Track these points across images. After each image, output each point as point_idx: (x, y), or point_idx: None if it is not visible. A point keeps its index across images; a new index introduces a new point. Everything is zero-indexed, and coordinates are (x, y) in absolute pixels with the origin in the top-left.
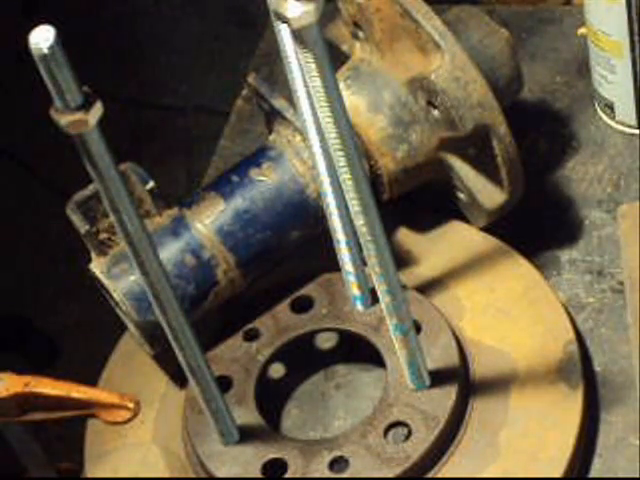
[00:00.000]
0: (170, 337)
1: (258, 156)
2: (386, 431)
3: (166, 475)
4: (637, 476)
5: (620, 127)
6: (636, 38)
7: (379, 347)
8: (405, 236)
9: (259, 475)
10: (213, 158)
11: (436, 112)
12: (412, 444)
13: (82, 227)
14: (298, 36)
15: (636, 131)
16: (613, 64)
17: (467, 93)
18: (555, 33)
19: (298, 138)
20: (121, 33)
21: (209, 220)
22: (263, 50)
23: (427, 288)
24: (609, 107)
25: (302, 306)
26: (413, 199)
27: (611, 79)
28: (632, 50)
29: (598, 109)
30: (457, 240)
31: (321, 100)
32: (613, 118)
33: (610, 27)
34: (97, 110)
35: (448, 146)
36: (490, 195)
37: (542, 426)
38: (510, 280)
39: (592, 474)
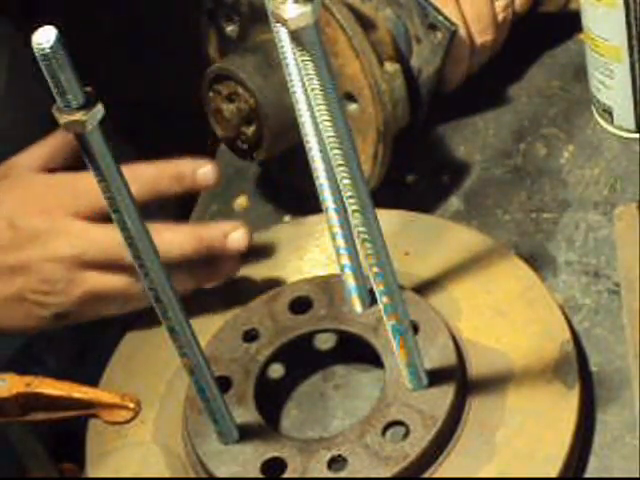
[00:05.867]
0: (170, 337)
1: None
2: (384, 430)
3: (166, 475)
4: (633, 475)
5: (618, 132)
6: (634, 43)
7: (377, 348)
8: (403, 237)
9: (258, 474)
10: (214, 158)
11: None
12: (410, 443)
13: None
14: (296, 37)
15: (634, 135)
16: (611, 69)
17: None
18: (552, 38)
19: None
20: (121, 32)
21: None
22: None
23: (424, 289)
24: (607, 112)
25: (301, 307)
26: (412, 199)
27: (609, 84)
28: (630, 55)
29: (596, 114)
30: (454, 241)
31: (319, 100)
32: (611, 123)
33: (608, 32)
34: (98, 110)
35: None
36: None
37: (539, 425)
38: (507, 281)
39: (588, 473)
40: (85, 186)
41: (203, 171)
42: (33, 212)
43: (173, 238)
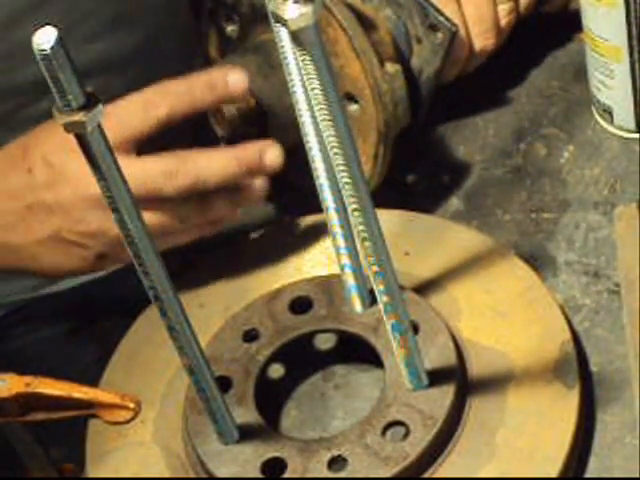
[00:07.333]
0: (170, 337)
1: None
2: (384, 430)
3: (166, 475)
4: (633, 475)
5: (618, 132)
6: (634, 43)
7: (377, 348)
8: (403, 237)
9: (258, 474)
10: None
11: None
12: (410, 443)
13: None
14: (296, 38)
15: (634, 135)
16: (611, 69)
17: None
18: (552, 38)
19: None
20: None
21: None
22: None
23: (425, 289)
24: (607, 112)
25: (301, 307)
26: (412, 199)
27: (610, 84)
28: (630, 55)
29: (596, 114)
30: (454, 241)
31: (319, 101)
32: (611, 123)
33: (608, 32)
34: (98, 111)
35: None
36: None
37: (539, 425)
38: (507, 281)
39: (588, 473)
40: (122, 115)
41: (234, 78)
42: (67, 150)
43: (210, 164)
